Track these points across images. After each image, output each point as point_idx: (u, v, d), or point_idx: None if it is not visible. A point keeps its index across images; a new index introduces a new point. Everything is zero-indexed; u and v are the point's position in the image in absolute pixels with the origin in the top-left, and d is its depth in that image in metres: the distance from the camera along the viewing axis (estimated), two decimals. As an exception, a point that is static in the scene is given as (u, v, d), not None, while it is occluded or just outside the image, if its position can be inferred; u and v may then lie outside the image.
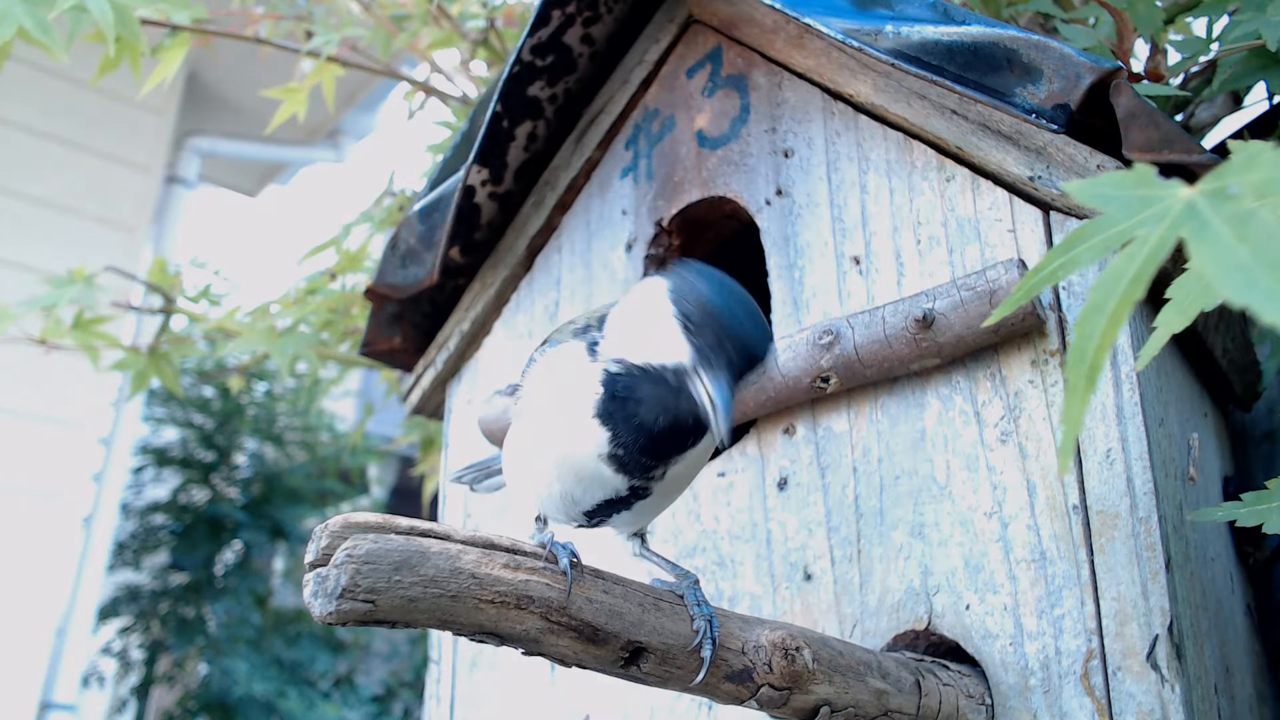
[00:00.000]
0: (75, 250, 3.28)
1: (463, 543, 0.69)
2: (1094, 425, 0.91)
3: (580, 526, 0.88)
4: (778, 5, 1.11)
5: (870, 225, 1.09)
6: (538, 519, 0.90)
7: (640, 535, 0.93)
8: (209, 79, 4.05)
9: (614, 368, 0.78)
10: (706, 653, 0.76)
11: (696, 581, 0.81)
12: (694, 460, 0.84)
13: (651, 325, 0.77)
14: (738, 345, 0.74)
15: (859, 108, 1.13)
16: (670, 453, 0.80)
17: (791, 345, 1.07)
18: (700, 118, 1.28)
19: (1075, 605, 0.89)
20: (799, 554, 1.06)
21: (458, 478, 1.12)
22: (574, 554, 0.73)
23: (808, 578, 1.05)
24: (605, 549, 1.17)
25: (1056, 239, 0.97)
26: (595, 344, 0.81)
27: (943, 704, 0.87)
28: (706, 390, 0.73)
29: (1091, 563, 0.89)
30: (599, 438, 0.79)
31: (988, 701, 0.91)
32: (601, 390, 0.78)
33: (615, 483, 0.81)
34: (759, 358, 0.76)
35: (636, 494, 0.83)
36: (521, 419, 0.88)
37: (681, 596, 0.79)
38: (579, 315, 0.89)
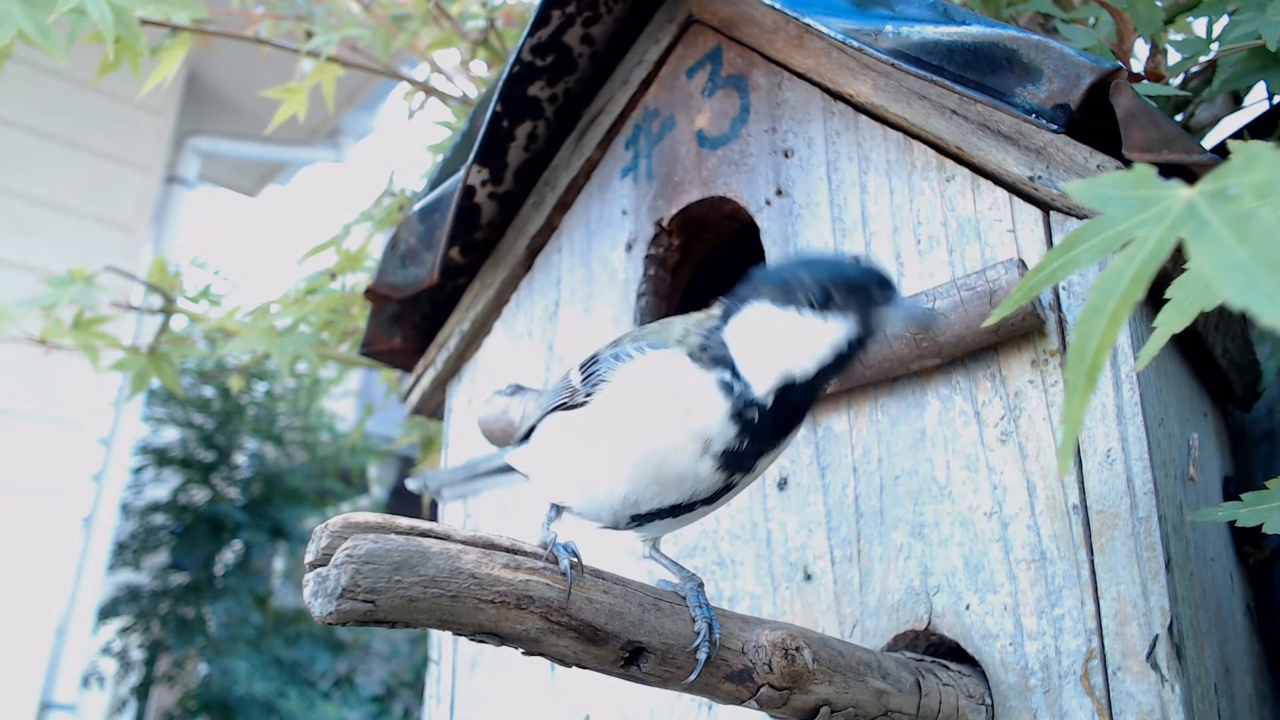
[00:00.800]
0: (75, 250, 3.29)
1: (463, 543, 0.69)
2: (1094, 425, 0.91)
3: (606, 528, 0.87)
4: (778, 5, 1.11)
5: (870, 225, 1.09)
6: (552, 510, 0.88)
7: (654, 541, 0.92)
8: (209, 79, 4.05)
9: (764, 392, 0.79)
10: (702, 654, 0.76)
11: (700, 585, 0.81)
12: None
13: (788, 336, 0.78)
14: (866, 282, 0.78)
15: (859, 108, 1.13)
16: (785, 432, 0.82)
17: (791, 345, 1.07)
18: (700, 118, 1.28)
19: (1075, 605, 0.89)
20: (799, 554, 1.06)
21: (420, 485, 1.10)
22: (575, 554, 0.73)
23: (808, 578, 1.05)
24: (605, 549, 1.17)
25: (1056, 239, 0.97)
26: (727, 381, 0.80)
27: (943, 704, 0.87)
28: (897, 317, 0.78)
29: (1091, 563, 0.89)
30: (717, 429, 0.79)
31: (988, 701, 0.91)
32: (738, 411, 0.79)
33: (703, 483, 0.81)
34: (885, 276, 0.79)
35: (714, 496, 0.83)
36: (597, 417, 0.85)
37: (684, 598, 0.79)
38: (664, 327, 0.87)
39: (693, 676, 0.76)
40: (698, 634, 0.77)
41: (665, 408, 0.80)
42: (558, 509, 0.88)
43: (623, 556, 1.18)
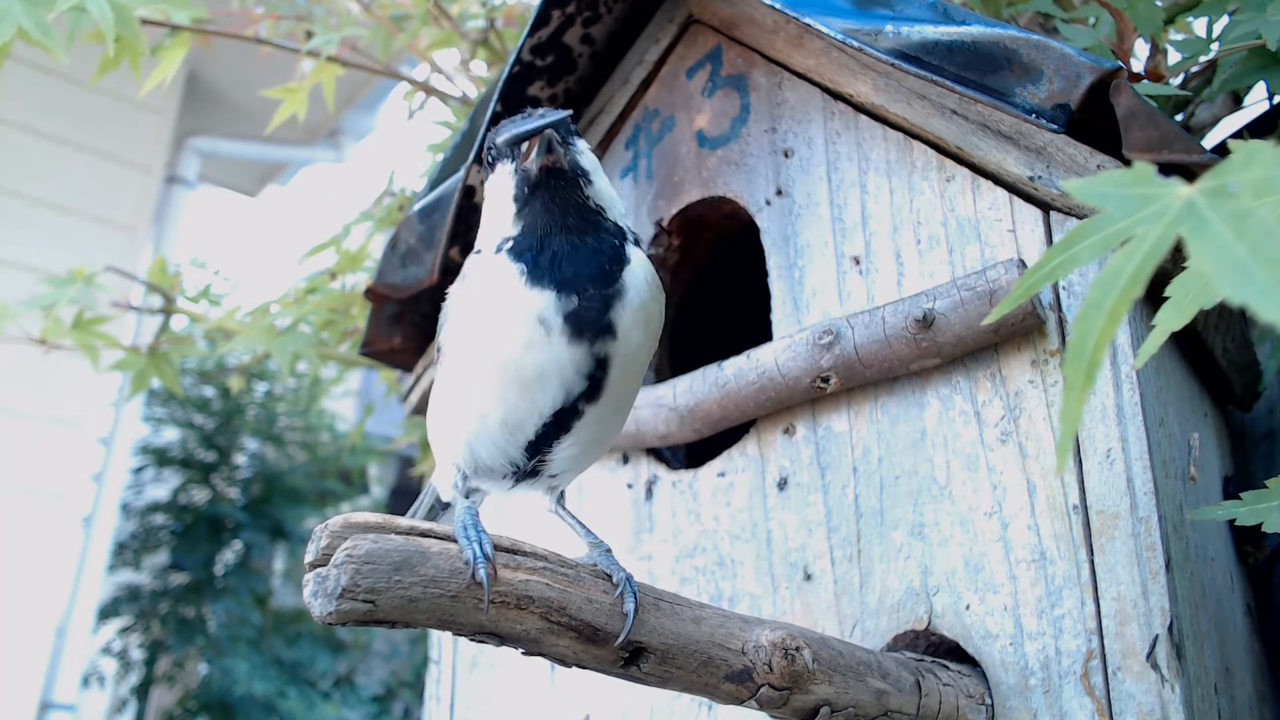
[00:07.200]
0: (75, 250, 3.29)
1: (462, 542, 0.69)
2: (1094, 425, 0.91)
3: (512, 477, 0.84)
4: (778, 5, 1.11)
5: (870, 225, 1.09)
6: (458, 476, 0.85)
7: (560, 493, 0.90)
8: (209, 79, 4.05)
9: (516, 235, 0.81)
10: (630, 605, 0.74)
11: (609, 550, 0.81)
12: (635, 324, 0.80)
13: (502, 190, 0.83)
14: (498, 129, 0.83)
15: (859, 108, 1.13)
16: (605, 282, 0.79)
17: (791, 345, 1.07)
18: (700, 118, 1.28)
19: (1075, 605, 0.89)
20: (799, 554, 1.06)
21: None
22: (486, 552, 0.68)
23: (808, 578, 1.05)
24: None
25: (1056, 239, 0.97)
26: (482, 250, 0.83)
27: (943, 704, 0.87)
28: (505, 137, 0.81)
29: (1091, 563, 0.89)
30: (542, 302, 0.77)
31: (988, 701, 0.91)
32: (522, 264, 0.79)
33: (569, 365, 0.78)
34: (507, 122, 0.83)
35: (592, 384, 0.79)
36: (446, 362, 0.85)
37: (595, 564, 0.77)
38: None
39: (624, 635, 0.73)
40: (617, 584, 0.75)
41: (491, 312, 0.79)
42: (461, 472, 0.85)
43: (622, 555, 1.18)
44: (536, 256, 0.79)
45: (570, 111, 0.81)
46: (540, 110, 0.81)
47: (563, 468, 0.85)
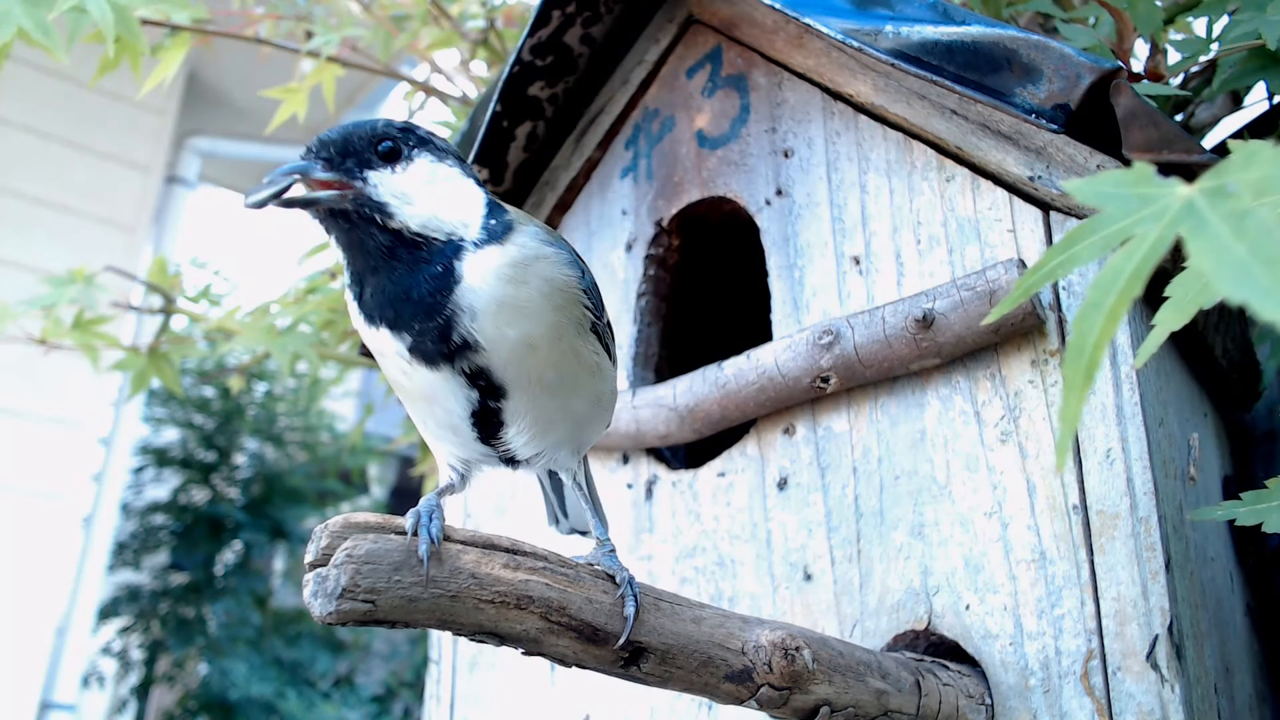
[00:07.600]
0: (75, 250, 3.29)
1: (462, 543, 0.69)
2: (1094, 425, 0.91)
3: (501, 464, 0.83)
4: (778, 5, 1.11)
5: (870, 225, 1.09)
6: (453, 469, 0.85)
7: (574, 472, 0.88)
8: (209, 79, 4.05)
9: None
10: (630, 609, 0.73)
11: (614, 550, 0.80)
12: (506, 314, 0.75)
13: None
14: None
15: (859, 108, 1.13)
16: (430, 314, 0.73)
17: (791, 345, 1.07)
18: (700, 118, 1.28)
19: (1075, 605, 0.89)
20: (799, 554, 1.06)
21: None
22: (431, 533, 0.67)
23: (808, 578, 1.05)
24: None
25: (1056, 239, 0.97)
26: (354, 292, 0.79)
27: (943, 704, 0.87)
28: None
29: (1091, 563, 0.89)
30: (388, 339, 0.75)
31: (988, 701, 0.91)
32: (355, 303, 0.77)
33: (449, 383, 0.76)
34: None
35: (486, 393, 0.76)
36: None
37: (595, 564, 0.77)
38: None
39: (624, 637, 0.73)
40: (619, 584, 0.74)
41: (367, 341, 0.79)
42: (448, 463, 0.85)
43: (622, 555, 1.18)
44: (361, 294, 0.76)
45: (314, 144, 0.76)
46: (289, 164, 0.77)
47: (531, 451, 0.82)
